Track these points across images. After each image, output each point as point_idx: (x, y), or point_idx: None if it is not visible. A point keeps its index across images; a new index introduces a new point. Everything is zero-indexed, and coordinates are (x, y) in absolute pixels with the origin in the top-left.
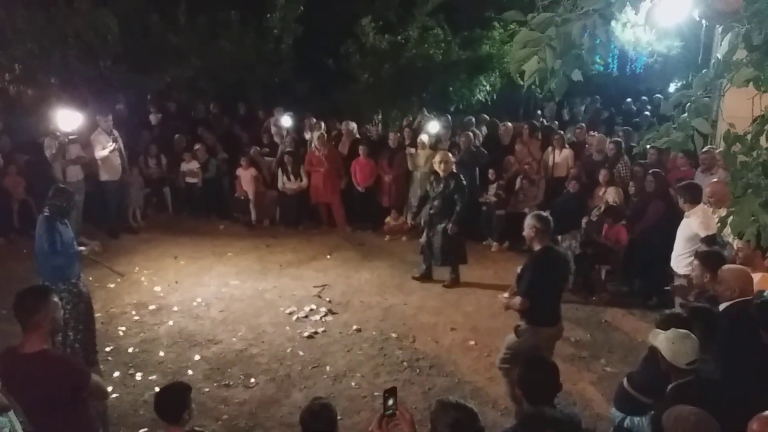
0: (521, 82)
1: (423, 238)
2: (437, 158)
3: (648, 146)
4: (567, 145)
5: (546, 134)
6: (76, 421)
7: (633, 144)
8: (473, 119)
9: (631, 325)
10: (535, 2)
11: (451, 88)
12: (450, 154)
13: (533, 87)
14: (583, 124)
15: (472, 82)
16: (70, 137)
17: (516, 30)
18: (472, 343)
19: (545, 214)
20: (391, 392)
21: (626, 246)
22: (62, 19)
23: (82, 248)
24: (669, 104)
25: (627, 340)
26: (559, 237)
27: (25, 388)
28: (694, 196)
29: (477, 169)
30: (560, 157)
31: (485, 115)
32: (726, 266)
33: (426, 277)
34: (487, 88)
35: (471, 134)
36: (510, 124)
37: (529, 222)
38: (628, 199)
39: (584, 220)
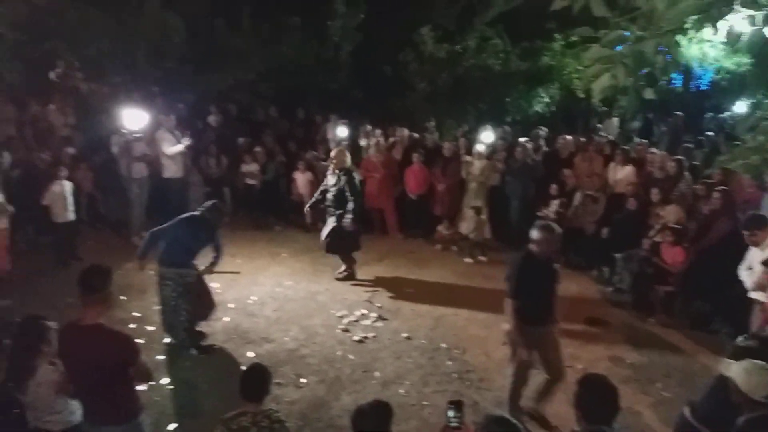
0: (583, 96)
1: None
2: (332, 153)
3: None
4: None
5: (610, 149)
6: (121, 397)
7: (695, 162)
8: (540, 132)
9: (690, 349)
10: (607, 18)
11: (508, 99)
12: (345, 152)
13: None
14: (646, 141)
15: (530, 93)
16: (136, 135)
17: (578, 42)
18: None
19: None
20: (456, 404)
21: (686, 267)
22: (132, 21)
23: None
24: (744, 126)
25: (685, 365)
26: (617, 255)
27: (77, 357)
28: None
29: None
30: (622, 173)
31: (543, 128)
32: None
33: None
34: (546, 99)
35: (528, 146)
36: (569, 137)
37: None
38: (691, 218)
39: (645, 239)
